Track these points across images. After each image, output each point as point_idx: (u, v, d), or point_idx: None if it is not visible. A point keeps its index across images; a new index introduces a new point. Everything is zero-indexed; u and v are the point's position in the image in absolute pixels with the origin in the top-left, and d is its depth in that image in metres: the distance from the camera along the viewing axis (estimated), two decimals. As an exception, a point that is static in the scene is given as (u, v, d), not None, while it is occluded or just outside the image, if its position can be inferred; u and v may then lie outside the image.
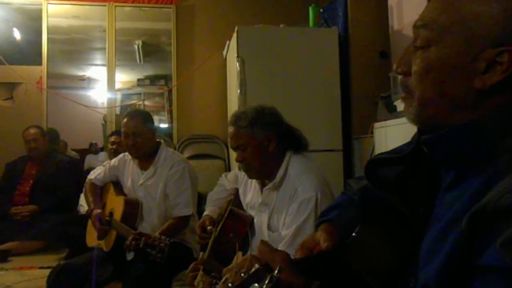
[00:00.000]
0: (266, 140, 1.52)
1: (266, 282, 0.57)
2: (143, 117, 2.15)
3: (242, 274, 0.60)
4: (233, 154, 1.62)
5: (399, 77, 0.72)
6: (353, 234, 0.74)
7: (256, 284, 0.57)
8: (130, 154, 2.18)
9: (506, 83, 0.58)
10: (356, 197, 0.91)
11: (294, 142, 1.59)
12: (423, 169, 0.72)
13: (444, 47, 0.62)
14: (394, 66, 0.71)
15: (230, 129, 1.57)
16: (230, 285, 0.59)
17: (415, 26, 0.67)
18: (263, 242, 0.71)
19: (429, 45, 0.64)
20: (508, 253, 0.49)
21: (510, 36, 0.57)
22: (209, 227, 1.67)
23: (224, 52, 4.20)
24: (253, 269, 0.60)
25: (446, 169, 0.66)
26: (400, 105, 2.59)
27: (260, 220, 1.58)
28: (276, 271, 0.59)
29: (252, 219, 1.62)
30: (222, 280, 0.63)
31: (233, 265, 0.68)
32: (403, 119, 2.33)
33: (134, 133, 2.09)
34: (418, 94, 0.66)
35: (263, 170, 1.55)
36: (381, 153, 0.84)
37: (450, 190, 0.64)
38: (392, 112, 2.76)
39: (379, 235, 0.73)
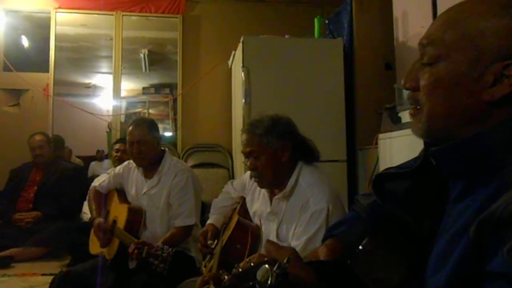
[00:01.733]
0: (280, 150, 1.52)
1: (275, 268, 0.58)
2: (148, 126, 2.16)
3: (252, 264, 0.61)
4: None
5: (407, 92, 0.73)
6: (360, 247, 0.74)
7: (266, 265, 0.58)
8: (135, 162, 2.18)
9: None
10: (364, 213, 0.92)
11: (307, 153, 1.59)
12: (430, 183, 0.73)
13: (452, 62, 0.64)
14: (402, 82, 0.72)
15: (244, 136, 1.56)
16: (240, 269, 0.61)
17: (421, 44, 0.69)
18: (269, 241, 0.73)
19: (437, 61, 0.65)
20: None
21: None
22: (209, 242, 1.65)
23: (230, 62, 4.22)
24: (263, 260, 0.61)
25: (454, 181, 0.67)
26: (404, 117, 2.59)
27: (268, 229, 1.57)
28: (285, 260, 0.60)
29: (259, 229, 1.61)
30: (235, 267, 0.64)
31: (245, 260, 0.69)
32: (408, 131, 2.32)
33: (139, 142, 2.09)
34: (427, 108, 0.67)
35: (275, 179, 1.54)
36: (389, 168, 0.85)
37: (459, 201, 0.65)
38: (396, 124, 2.76)
39: (386, 248, 0.74)
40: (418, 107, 0.69)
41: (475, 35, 0.62)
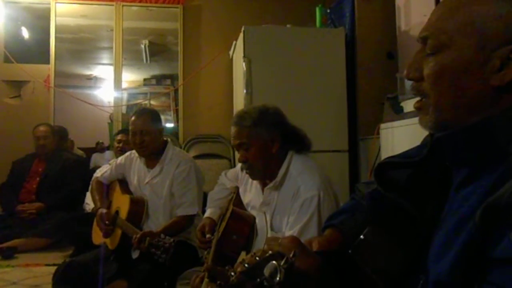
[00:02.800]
0: (270, 141, 1.51)
1: (282, 263, 0.58)
2: (151, 116, 2.16)
3: (257, 258, 0.61)
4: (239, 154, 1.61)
5: (409, 82, 0.71)
6: (361, 236, 0.74)
7: (273, 262, 0.58)
8: (138, 152, 2.19)
9: None
10: (365, 201, 0.91)
11: (297, 142, 1.58)
12: (433, 170, 0.72)
13: (456, 50, 0.63)
14: (405, 72, 0.71)
15: (233, 129, 1.55)
16: (246, 265, 0.60)
17: (422, 37, 0.68)
18: (269, 237, 0.73)
19: (440, 50, 0.64)
20: None
21: None
22: (207, 235, 1.66)
23: (231, 52, 4.20)
24: (268, 253, 0.61)
25: (458, 167, 0.66)
26: (406, 106, 2.57)
27: (262, 221, 1.57)
28: (291, 254, 0.59)
29: (254, 219, 1.61)
30: (239, 260, 0.64)
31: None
32: (410, 120, 2.31)
33: (141, 132, 2.09)
34: (434, 98, 0.66)
35: (266, 170, 1.54)
36: (391, 157, 0.84)
37: (463, 188, 0.64)
38: (398, 113, 2.75)
39: (387, 236, 0.73)
40: (423, 99, 0.68)
41: (478, 21, 0.61)
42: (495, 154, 0.59)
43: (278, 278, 0.57)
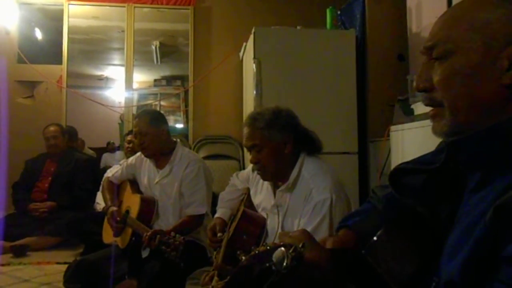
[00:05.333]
0: (283, 143, 1.51)
1: (291, 251, 0.60)
2: (150, 117, 2.18)
3: (268, 247, 0.63)
4: (248, 155, 1.61)
5: (421, 94, 0.72)
6: (374, 237, 0.75)
7: (282, 248, 0.60)
8: (142, 153, 2.22)
9: None
10: (381, 204, 0.92)
11: (309, 144, 1.58)
12: (448, 174, 0.73)
13: (463, 54, 0.64)
14: (415, 84, 0.72)
15: (246, 130, 1.55)
16: (257, 251, 0.63)
17: (427, 47, 0.69)
18: (281, 233, 0.75)
19: (448, 55, 0.66)
20: None
21: None
22: (219, 234, 1.66)
23: (241, 54, 4.22)
24: (279, 244, 0.63)
25: (472, 171, 0.67)
26: (417, 109, 2.56)
27: (273, 222, 1.56)
28: (300, 245, 0.62)
29: (265, 220, 1.61)
30: (252, 249, 0.67)
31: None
32: (420, 123, 2.30)
33: (140, 133, 2.12)
34: (448, 102, 0.66)
35: (278, 172, 1.54)
36: (406, 162, 0.85)
37: (476, 191, 0.65)
38: (409, 115, 2.73)
39: (400, 239, 0.74)
40: (438, 107, 0.68)
41: (481, 25, 0.63)
42: (508, 159, 0.60)
43: (285, 264, 0.59)
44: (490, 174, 0.62)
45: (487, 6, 0.64)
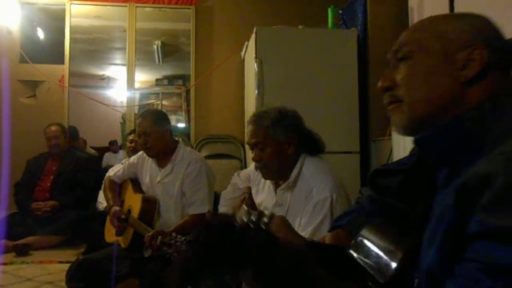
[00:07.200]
0: (286, 143, 1.51)
1: (258, 215, 0.63)
2: (153, 117, 2.18)
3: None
4: (250, 154, 1.61)
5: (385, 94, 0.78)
6: (359, 234, 0.80)
7: (244, 206, 0.62)
8: (145, 153, 2.22)
9: (483, 74, 0.69)
10: (366, 203, 0.97)
11: (312, 145, 1.58)
12: (422, 174, 0.77)
13: (424, 54, 0.73)
14: (379, 84, 0.78)
15: (250, 127, 1.56)
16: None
17: (393, 51, 0.78)
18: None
19: (411, 55, 0.74)
20: (488, 216, 0.52)
21: (475, 39, 0.70)
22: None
23: (242, 53, 4.22)
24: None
25: (440, 167, 0.71)
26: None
27: None
28: (269, 214, 0.65)
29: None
30: None
31: None
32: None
33: (144, 133, 2.12)
34: (408, 98, 0.73)
35: (280, 171, 1.54)
36: (384, 164, 0.92)
37: (445, 187, 0.69)
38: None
39: (383, 234, 0.79)
40: (398, 103, 0.75)
41: (441, 34, 0.72)
42: (470, 151, 0.64)
43: (246, 219, 0.63)
44: (456, 168, 0.66)
45: (446, 20, 0.75)
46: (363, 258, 0.76)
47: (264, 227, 0.63)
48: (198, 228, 0.64)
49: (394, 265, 0.71)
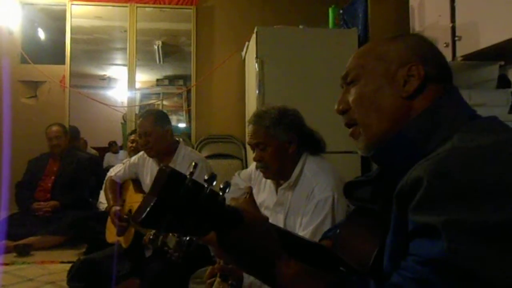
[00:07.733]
0: (287, 142, 1.51)
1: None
2: (154, 117, 2.18)
3: None
4: (251, 154, 1.61)
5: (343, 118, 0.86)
6: (338, 230, 0.87)
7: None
8: (145, 153, 2.22)
9: (423, 87, 0.75)
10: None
11: (313, 145, 1.58)
12: (388, 183, 0.80)
13: (369, 76, 0.80)
14: (335, 108, 0.87)
15: (251, 127, 1.55)
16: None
17: (342, 76, 0.86)
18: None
19: (358, 79, 0.81)
20: (416, 216, 0.60)
21: (412, 56, 0.77)
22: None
23: (243, 53, 4.22)
24: None
25: (397, 177, 0.73)
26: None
27: (276, 221, 1.56)
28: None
29: (267, 219, 1.60)
30: None
31: None
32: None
33: (145, 133, 2.12)
34: (360, 118, 0.80)
35: (281, 171, 1.54)
36: (357, 177, 0.97)
37: None
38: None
39: (360, 229, 0.87)
40: (355, 126, 0.82)
41: (382, 55, 0.80)
42: (416, 159, 0.67)
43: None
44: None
45: (386, 42, 0.82)
46: (343, 251, 0.82)
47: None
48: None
49: (369, 261, 0.76)
